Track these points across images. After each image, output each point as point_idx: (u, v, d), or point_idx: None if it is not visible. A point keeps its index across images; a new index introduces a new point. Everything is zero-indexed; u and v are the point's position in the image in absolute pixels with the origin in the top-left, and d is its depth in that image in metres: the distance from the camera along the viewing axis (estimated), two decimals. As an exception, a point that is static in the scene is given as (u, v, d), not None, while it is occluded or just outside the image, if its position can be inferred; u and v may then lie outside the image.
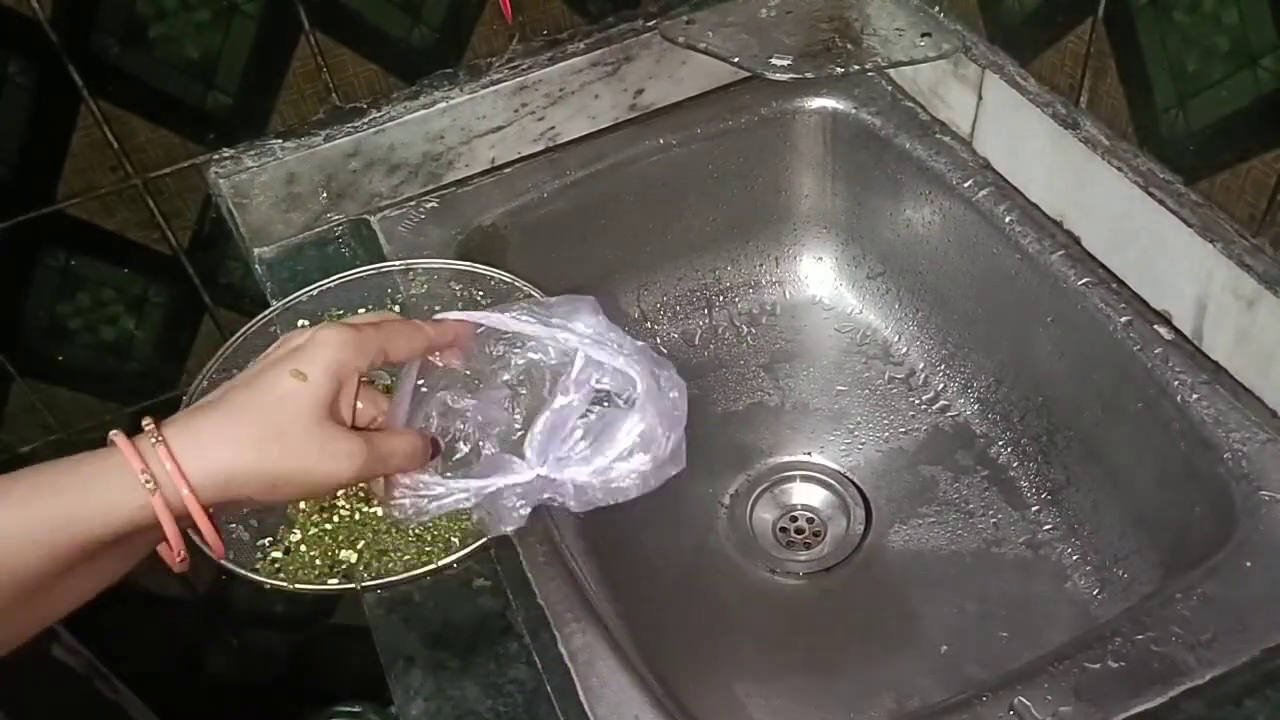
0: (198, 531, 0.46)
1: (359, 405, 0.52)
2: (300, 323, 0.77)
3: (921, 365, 0.94)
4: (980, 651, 0.77)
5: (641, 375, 0.54)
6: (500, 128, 0.89)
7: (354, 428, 0.50)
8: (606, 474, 0.53)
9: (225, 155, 0.82)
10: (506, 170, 0.91)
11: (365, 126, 0.84)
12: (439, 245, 0.85)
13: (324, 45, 0.79)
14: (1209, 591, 0.57)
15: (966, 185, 0.83)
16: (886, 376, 0.95)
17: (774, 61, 0.83)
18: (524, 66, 0.87)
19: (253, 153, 0.82)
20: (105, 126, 0.76)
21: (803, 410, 0.94)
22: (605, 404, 0.56)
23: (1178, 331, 0.70)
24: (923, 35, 0.83)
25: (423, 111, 0.85)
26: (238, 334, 0.75)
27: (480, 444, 0.56)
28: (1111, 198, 0.72)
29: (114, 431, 0.44)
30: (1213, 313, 0.67)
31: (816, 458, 0.91)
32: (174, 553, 0.45)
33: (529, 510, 0.55)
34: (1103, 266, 0.75)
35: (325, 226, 0.87)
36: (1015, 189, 0.82)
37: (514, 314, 0.56)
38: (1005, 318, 0.83)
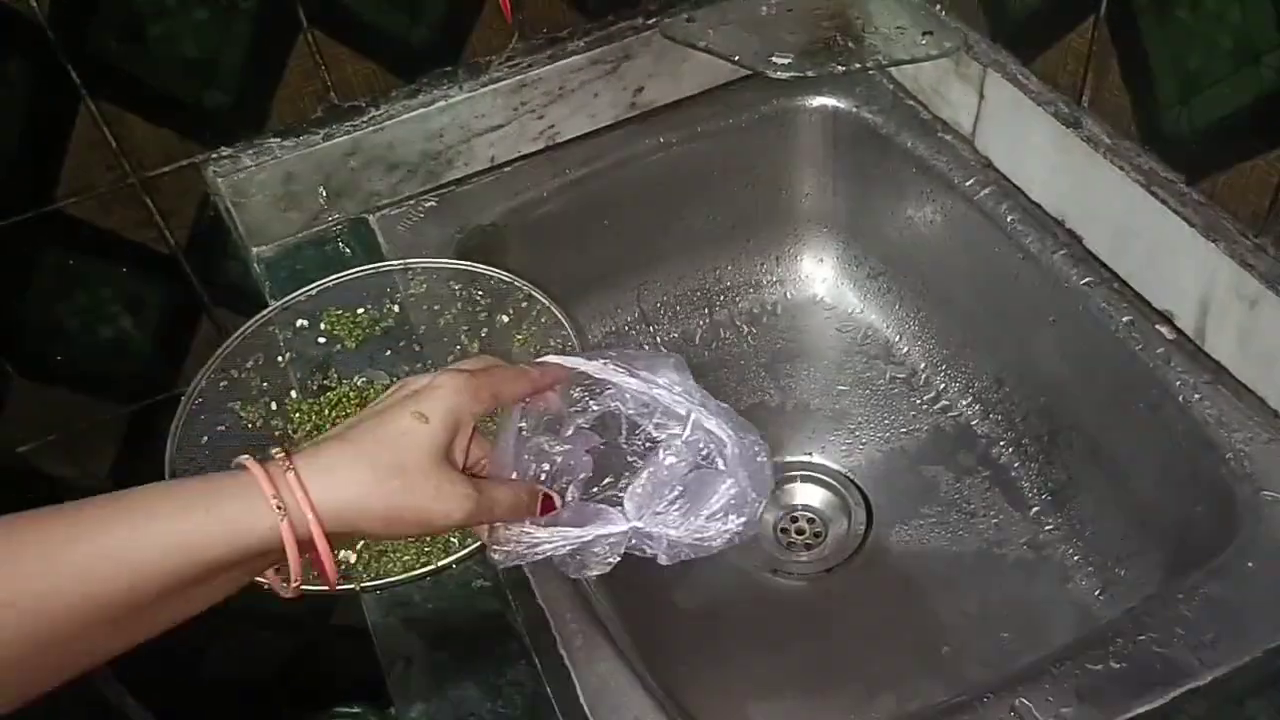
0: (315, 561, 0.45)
1: (473, 449, 0.52)
2: (299, 322, 0.77)
3: (923, 365, 0.94)
4: (982, 652, 0.76)
5: (731, 439, 0.55)
6: (500, 126, 0.88)
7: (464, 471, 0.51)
8: (702, 531, 0.54)
9: (223, 154, 0.81)
10: (506, 169, 0.91)
11: (364, 125, 0.84)
12: (438, 244, 0.85)
13: (322, 43, 0.79)
14: (1211, 592, 0.57)
15: (968, 184, 0.83)
16: (888, 376, 0.95)
17: (775, 60, 0.82)
18: (523, 65, 0.87)
19: (251, 151, 0.82)
20: (103, 126, 0.76)
21: (804, 410, 0.94)
22: (701, 465, 0.57)
23: (1180, 331, 0.70)
24: (924, 33, 0.83)
25: (422, 110, 0.85)
26: (236, 333, 0.75)
27: (564, 489, 0.56)
28: (1114, 197, 0.71)
29: (244, 456, 0.44)
30: (1215, 312, 0.67)
31: (818, 458, 0.91)
32: (292, 581, 0.45)
33: (617, 560, 0.55)
34: (1105, 266, 0.75)
35: (324, 225, 0.87)
36: (1017, 188, 0.81)
37: (603, 362, 0.56)
38: (1007, 318, 0.83)
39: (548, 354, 0.57)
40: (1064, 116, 0.74)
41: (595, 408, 0.58)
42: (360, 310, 0.79)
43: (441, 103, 0.85)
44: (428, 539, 0.62)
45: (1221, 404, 0.66)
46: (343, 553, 0.62)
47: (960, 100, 0.85)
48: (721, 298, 1.01)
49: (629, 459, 0.58)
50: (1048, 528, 0.82)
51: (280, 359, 0.76)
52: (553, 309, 0.74)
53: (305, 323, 0.78)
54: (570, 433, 0.57)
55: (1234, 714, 0.53)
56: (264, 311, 0.76)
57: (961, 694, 0.56)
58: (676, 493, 0.55)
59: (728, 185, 0.96)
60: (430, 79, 0.85)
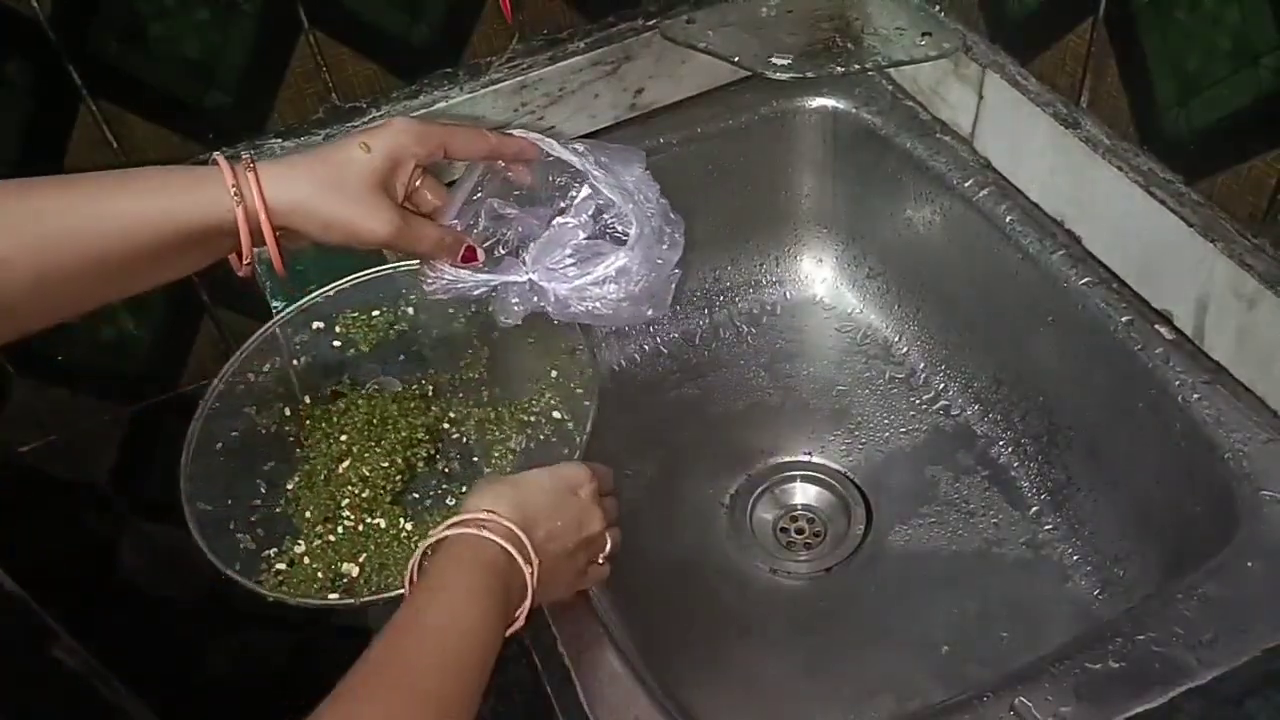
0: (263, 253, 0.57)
1: (426, 194, 0.63)
2: (315, 324, 0.77)
3: (922, 365, 0.94)
4: (981, 652, 0.76)
5: (640, 222, 0.64)
6: (500, 127, 0.88)
7: (408, 208, 0.61)
8: (583, 293, 0.63)
9: (224, 154, 0.81)
10: (506, 170, 0.91)
11: (365, 126, 0.84)
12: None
13: (323, 44, 0.79)
14: (1210, 592, 0.57)
15: (967, 185, 0.83)
16: (887, 376, 0.95)
17: (774, 61, 0.82)
18: (524, 66, 0.87)
19: (252, 152, 0.82)
20: (104, 126, 0.76)
21: (803, 410, 0.94)
22: (605, 238, 0.67)
23: (1179, 331, 0.70)
24: (923, 34, 0.83)
25: (422, 111, 0.85)
26: (254, 335, 0.74)
27: (496, 244, 0.67)
28: (1112, 197, 0.71)
29: (216, 153, 0.55)
30: (1214, 312, 0.67)
31: (817, 458, 0.91)
32: (241, 260, 0.56)
33: (524, 311, 0.66)
34: (1104, 266, 0.75)
35: (325, 226, 0.87)
36: (1016, 189, 0.81)
37: (573, 147, 0.65)
38: (1006, 317, 0.83)
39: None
40: (1063, 117, 0.74)
41: (574, 195, 0.67)
42: (375, 313, 0.78)
43: (442, 104, 0.85)
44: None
45: (1220, 404, 0.66)
46: (345, 566, 0.63)
47: (959, 101, 0.85)
48: (721, 298, 1.01)
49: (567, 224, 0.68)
50: (1047, 527, 0.82)
51: (295, 362, 0.75)
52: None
53: (321, 325, 0.77)
54: (533, 206, 0.67)
55: (1233, 713, 0.53)
56: (282, 313, 0.75)
57: (961, 693, 0.56)
58: (569, 253, 0.64)
59: (727, 186, 0.96)
60: (431, 80, 0.85)
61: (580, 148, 0.67)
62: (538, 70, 0.87)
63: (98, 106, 0.75)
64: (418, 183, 0.63)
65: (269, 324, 0.75)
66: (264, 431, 0.72)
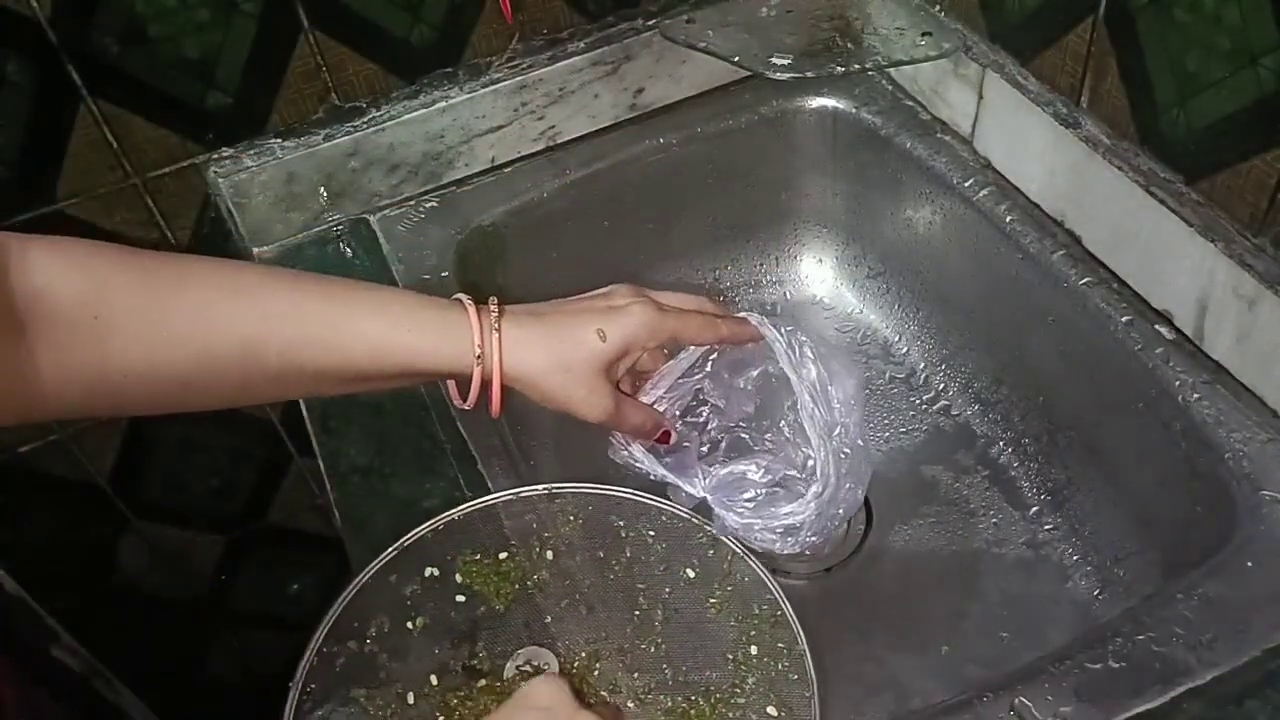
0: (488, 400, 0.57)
1: (645, 357, 0.62)
2: (428, 571, 0.59)
3: (922, 365, 0.94)
4: (981, 652, 0.76)
5: (824, 479, 0.61)
6: (500, 127, 0.89)
7: (623, 387, 0.61)
8: (751, 530, 0.60)
9: (225, 155, 0.82)
10: (506, 170, 0.91)
11: (365, 126, 0.84)
12: (439, 245, 0.85)
13: (323, 44, 0.79)
14: (1210, 592, 0.57)
15: (967, 185, 0.83)
16: (887, 376, 0.95)
17: (774, 60, 0.82)
18: (524, 66, 0.87)
19: (252, 152, 0.82)
20: (104, 126, 0.76)
21: (803, 410, 0.94)
22: (787, 475, 0.64)
23: (1179, 331, 0.70)
24: (923, 34, 0.83)
25: (422, 111, 0.85)
26: (349, 587, 0.56)
27: (698, 430, 0.66)
28: (1112, 197, 0.71)
29: (462, 295, 0.57)
30: (1214, 312, 0.67)
31: (817, 458, 0.91)
32: (467, 403, 0.57)
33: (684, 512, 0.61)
34: (1103, 266, 0.75)
35: (325, 226, 0.87)
36: (1016, 188, 0.81)
37: (796, 346, 0.63)
38: (1006, 317, 0.83)
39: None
40: (1063, 117, 0.74)
41: (760, 380, 0.65)
42: (503, 556, 0.60)
43: (442, 104, 0.85)
44: None
45: (1220, 404, 0.66)
46: None
47: (959, 101, 0.85)
48: (721, 298, 1.01)
49: (765, 436, 0.66)
50: (1047, 527, 0.82)
51: (410, 625, 0.58)
52: (748, 561, 0.58)
53: (435, 571, 0.59)
54: (733, 387, 0.65)
55: (1233, 713, 0.53)
56: (380, 557, 0.57)
57: (961, 693, 0.56)
58: (747, 495, 0.62)
59: (728, 186, 0.96)
60: (431, 80, 0.85)
61: (803, 352, 0.63)
62: (538, 70, 0.87)
63: (98, 106, 0.75)
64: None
65: (363, 574, 0.56)
66: None
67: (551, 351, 0.56)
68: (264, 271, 0.55)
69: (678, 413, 0.64)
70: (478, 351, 0.54)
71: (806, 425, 0.61)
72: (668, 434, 0.62)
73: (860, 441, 0.63)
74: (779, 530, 0.60)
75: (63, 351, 0.47)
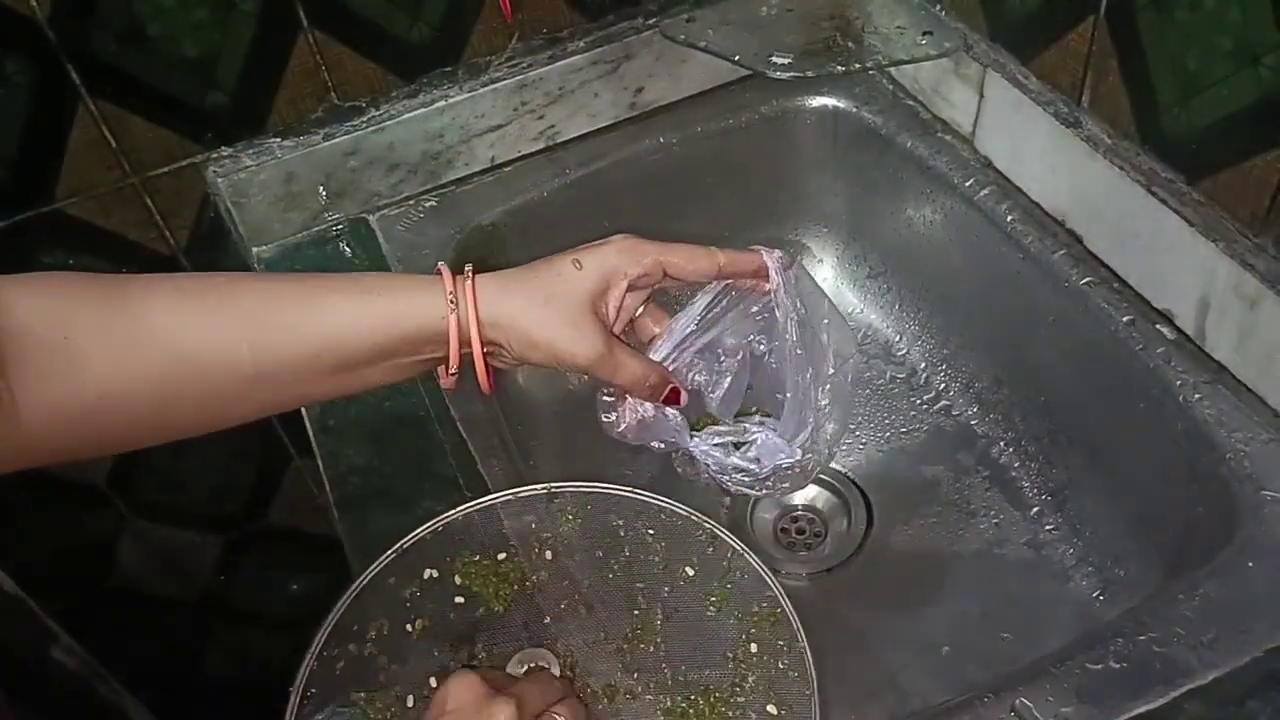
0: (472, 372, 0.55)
1: (648, 321, 0.59)
2: (427, 573, 0.59)
3: (923, 365, 0.94)
4: (982, 652, 0.76)
5: (791, 438, 0.58)
6: (500, 126, 0.88)
7: (625, 339, 0.57)
8: (721, 470, 0.58)
9: (223, 154, 0.82)
10: (506, 169, 0.91)
11: (364, 125, 0.84)
12: (438, 244, 0.85)
13: (323, 43, 0.79)
14: (1211, 592, 0.57)
15: (968, 184, 0.83)
16: (888, 376, 0.95)
17: (775, 60, 0.82)
18: (523, 65, 0.87)
19: (251, 151, 0.82)
20: (103, 125, 0.76)
21: (803, 410, 0.94)
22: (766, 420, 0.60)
23: (1180, 331, 0.70)
24: (924, 34, 0.83)
25: (422, 110, 0.85)
26: (349, 590, 0.57)
27: (703, 387, 0.61)
28: (1113, 197, 0.71)
29: (441, 263, 0.54)
30: (1215, 312, 0.67)
31: (817, 457, 0.91)
32: (449, 369, 0.54)
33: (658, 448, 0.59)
34: (1105, 266, 0.75)
35: (324, 225, 0.87)
36: (1017, 188, 0.81)
37: (790, 291, 0.57)
38: (1007, 317, 0.83)
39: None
40: (1064, 116, 0.74)
41: (772, 341, 0.60)
42: (502, 556, 0.59)
43: (441, 103, 0.85)
44: None
45: (1221, 404, 0.66)
46: None
47: (960, 100, 0.85)
48: (721, 298, 1.01)
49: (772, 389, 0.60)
50: (1048, 527, 0.82)
51: (409, 627, 0.57)
52: (747, 557, 0.57)
53: (434, 573, 0.58)
54: (740, 346, 0.60)
55: (1234, 714, 0.53)
56: (379, 560, 0.57)
57: (961, 694, 0.56)
58: (737, 459, 0.58)
59: (728, 185, 0.96)
60: (430, 79, 0.85)
61: (799, 292, 0.58)
62: (538, 69, 0.87)
63: (97, 106, 0.75)
64: (639, 310, 0.58)
65: (362, 576, 0.56)
66: None
67: (528, 286, 0.54)
68: (235, 275, 0.53)
69: (696, 376, 0.60)
70: (450, 297, 0.52)
71: (789, 368, 0.58)
72: (677, 392, 0.58)
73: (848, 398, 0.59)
74: (748, 480, 0.58)
75: (43, 382, 0.46)
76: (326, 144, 0.83)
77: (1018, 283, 0.80)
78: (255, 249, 0.86)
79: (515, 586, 0.59)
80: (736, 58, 0.83)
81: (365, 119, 0.84)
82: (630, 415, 0.58)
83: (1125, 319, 0.71)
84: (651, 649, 0.57)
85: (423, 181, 0.89)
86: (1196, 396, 0.66)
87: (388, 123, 0.84)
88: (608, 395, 0.58)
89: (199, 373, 0.49)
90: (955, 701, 0.55)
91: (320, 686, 0.54)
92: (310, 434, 0.74)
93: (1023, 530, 0.82)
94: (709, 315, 0.59)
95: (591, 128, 0.92)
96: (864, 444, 0.91)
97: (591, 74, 0.89)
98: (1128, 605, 0.68)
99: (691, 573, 0.58)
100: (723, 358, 0.61)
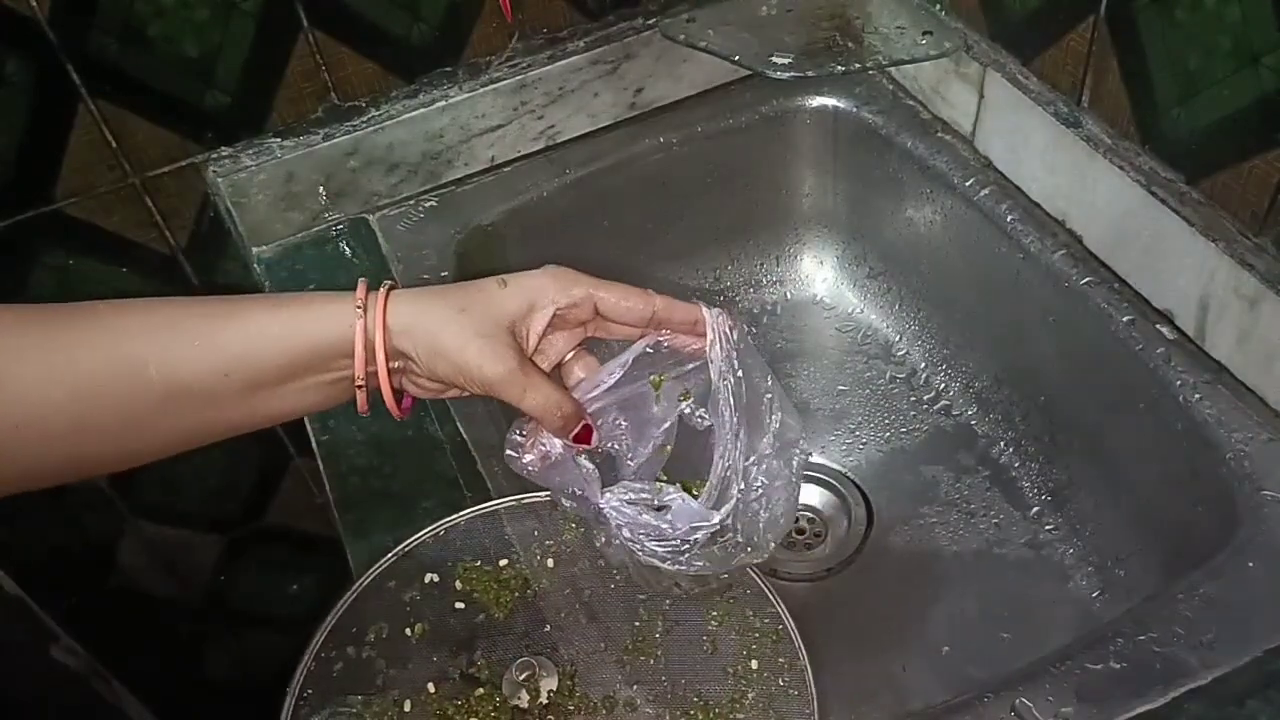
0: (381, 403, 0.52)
1: (575, 368, 0.55)
2: (428, 577, 0.59)
3: (923, 365, 0.94)
4: (982, 652, 0.76)
5: (727, 524, 0.52)
6: (499, 126, 0.88)
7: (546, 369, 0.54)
8: (637, 546, 0.52)
9: (223, 154, 0.82)
10: (506, 169, 0.91)
11: (364, 125, 0.84)
12: (438, 244, 0.85)
13: (323, 43, 0.79)
14: (1211, 592, 0.57)
15: (968, 184, 0.83)
16: (888, 376, 0.95)
17: (775, 60, 0.82)
18: (523, 65, 0.87)
19: (251, 152, 0.82)
20: (103, 125, 0.76)
21: (803, 410, 0.94)
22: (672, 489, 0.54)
23: (1180, 331, 0.70)
24: (924, 33, 0.83)
25: (422, 110, 0.85)
26: (348, 592, 0.57)
27: (620, 444, 0.55)
28: (1113, 197, 0.71)
29: (361, 279, 0.51)
30: (1215, 312, 0.67)
31: (818, 458, 0.91)
32: (354, 379, 0.51)
33: (569, 506, 0.55)
34: (1105, 266, 0.75)
35: (324, 225, 0.87)
36: (1017, 188, 0.81)
37: (732, 358, 0.52)
38: (1007, 317, 0.83)
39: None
40: (1064, 116, 0.74)
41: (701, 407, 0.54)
42: (503, 563, 0.59)
43: (441, 103, 0.85)
44: None
45: (1221, 403, 0.66)
46: None
47: (960, 100, 0.85)
48: (721, 298, 1.01)
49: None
50: (1048, 527, 0.82)
51: (408, 631, 0.57)
52: (750, 572, 0.57)
53: (435, 577, 0.58)
54: (667, 411, 0.54)
55: (1234, 714, 0.53)
56: (379, 562, 0.57)
57: (961, 694, 0.56)
58: (650, 518, 0.52)
59: (728, 185, 0.96)
60: (430, 79, 0.85)
61: (740, 355, 0.52)
62: (537, 69, 0.87)
63: (97, 106, 0.75)
64: (569, 355, 0.55)
65: (361, 579, 0.56)
66: None
67: (446, 298, 0.51)
68: (159, 299, 0.50)
69: (615, 444, 0.54)
70: (358, 304, 0.49)
71: (736, 445, 0.52)
72: (589, 430, 0.53)
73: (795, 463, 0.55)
74: (664, 554, 0.51)
75: None
76: (326, 144, 0.83)
77: (1018, 282, 0.80)
78: (255, 249, 0.86)
79: (516, 594, 0.58)
80: (736, 58, 0.83)
81: (365, 119, 0.84)
82: (537, 449, 0.53)
83: (1125, 319, 0.71)
84: (652, 661, 0.57)
85: (423, 182, 0.89)
86: (1196, 396, 0.66)
87: (387, 123, 0.84)
88: (520, 434, 0.54)
89: (107, 394, 0.47)
90: (955, 701, 0.55)
91: (316, 688, 0.53)
92: (310, 434, 0.74)
93: (1022, 530, 0.82)
94: (637, 370, 0.54)
95: (591, 128, 0.92)
96: (864, 444, 0.91)
97: (591, 74, 0.89)
98: (1127, 605, 0.68)
99: (693, 589, 0.58)
100: (646, 419, 0.55)
